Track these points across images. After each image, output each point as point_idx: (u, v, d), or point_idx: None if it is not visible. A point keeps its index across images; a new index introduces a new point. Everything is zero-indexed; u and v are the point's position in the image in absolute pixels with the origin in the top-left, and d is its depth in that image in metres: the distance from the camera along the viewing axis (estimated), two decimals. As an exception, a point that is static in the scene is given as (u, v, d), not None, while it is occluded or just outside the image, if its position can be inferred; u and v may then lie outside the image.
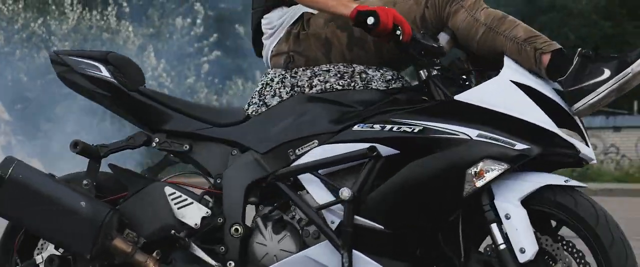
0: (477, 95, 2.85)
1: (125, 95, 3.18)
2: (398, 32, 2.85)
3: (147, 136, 3.16)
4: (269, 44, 3.20)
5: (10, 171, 3.02)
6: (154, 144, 3.17)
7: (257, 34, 3.28)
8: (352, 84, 3.03)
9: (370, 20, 2.85)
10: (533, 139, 2.79)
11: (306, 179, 2.96)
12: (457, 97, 2.86)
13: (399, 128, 2.88)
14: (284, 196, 3.01)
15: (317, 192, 2.94)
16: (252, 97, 3.18)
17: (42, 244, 3.17)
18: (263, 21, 3.22)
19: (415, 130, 2.85)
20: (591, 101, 2.82)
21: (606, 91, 2.83)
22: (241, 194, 3.03)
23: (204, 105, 3.33)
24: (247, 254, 3.03)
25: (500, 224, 2.82)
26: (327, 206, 2.91)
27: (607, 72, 2.85)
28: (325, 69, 3.09)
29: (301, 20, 3.17)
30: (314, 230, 2.99)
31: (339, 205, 2.89)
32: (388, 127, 2.89)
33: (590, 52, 2.88)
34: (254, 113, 3.14)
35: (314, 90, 3.08)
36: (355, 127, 2.96)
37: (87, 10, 18.15)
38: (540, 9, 22.94)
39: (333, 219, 2.90)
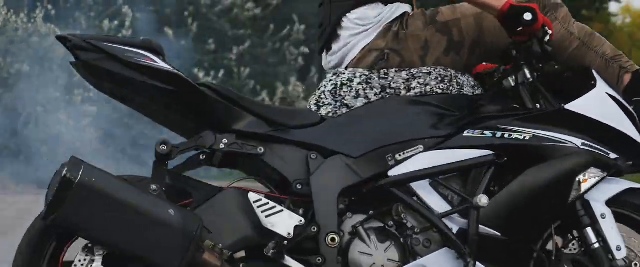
0: (584, 105, 2.93)
1: (194, 91, 2.88)
2: (549, 32, 2.87)
3: (215, 137, 2.91)
4: (358, 40, 3.08)
5: (80, 174, 2.65)
6: (221, 146, 2.89)
7: (336, 29, 3.14)
8: (450, 89, 2.99)
9: (528, 16, 2.83)
10: (622, 149, 2.93)
11: (419, 185, 2.88)
12: (567, 107, 2.92)
13: (510, 135, 2.87)
14: (389, 202, 2.90)
15: (432, 198, 2.87)
16: (322, 98, 3.06)
17: (84, 259, 2.81)
18: (351, 15, 3.10)
19: (526, 138, 2.87)
20: None
21: None
22: (334, 201, 2.88)
23: (273, 105, 3.11)
24: (348, 265, 2.90)
25: (595, 224, 2.94)
26: (453, 212, 2.86)
27: None
28: (425, 71, 3.02)
29: (400, 19, 3.09)
30: (424, 238, 2.90)
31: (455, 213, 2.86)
32: (499, 134, 2.88)
33: None
34: (331, 115, 3.02)
35: (412, 92, 3.00)
36: (466, 133, 2.91)
37: (12, 13, 17.74)
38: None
39: (451, 226, 2.86)
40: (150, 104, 2.95)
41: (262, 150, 2.91)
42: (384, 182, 2.90)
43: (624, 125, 2.96)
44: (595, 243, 2.96)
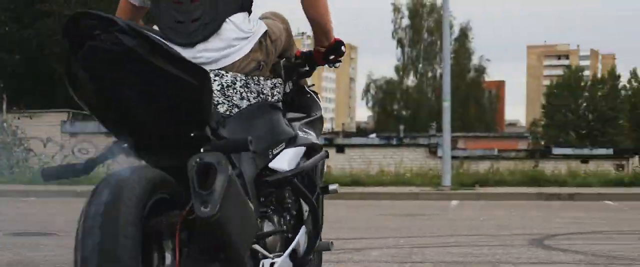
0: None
1: (209, 85, 2.85)
2: (342, 59, 3.80)
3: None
4: (241, 45, 3.31)
5: (230, 170, 2.68)
6: None
7: (218, 27, 3.26)
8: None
9: (344, 48, 3.71)
10: None
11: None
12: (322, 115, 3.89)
13: (309, 135, 3.68)
14: (269, 190, 3.35)
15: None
16: (214, 97, 3.11)
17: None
18: (234, 19, 3.30)
19: (311, 138, 3.68)
20: None
21: None
22: (255, 189, 3.18)
23: None
24: (266, 244, 3.24)
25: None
26: (318, 197, 3.62)
27: None
28: (280, 83, 3.53)
29: (265, 34, 3.43)
30: (294, 220, 3.47)
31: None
32: (307, 135, 3.66)
33: None
34: (227, 113, 3.20)
35: (274, 99, 3.47)
36: (300, 133, 3.59)
37: None
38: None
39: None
40: (145, 99, 2.74)
41: None
42: (284, 176, 3.34)
43: None
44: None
